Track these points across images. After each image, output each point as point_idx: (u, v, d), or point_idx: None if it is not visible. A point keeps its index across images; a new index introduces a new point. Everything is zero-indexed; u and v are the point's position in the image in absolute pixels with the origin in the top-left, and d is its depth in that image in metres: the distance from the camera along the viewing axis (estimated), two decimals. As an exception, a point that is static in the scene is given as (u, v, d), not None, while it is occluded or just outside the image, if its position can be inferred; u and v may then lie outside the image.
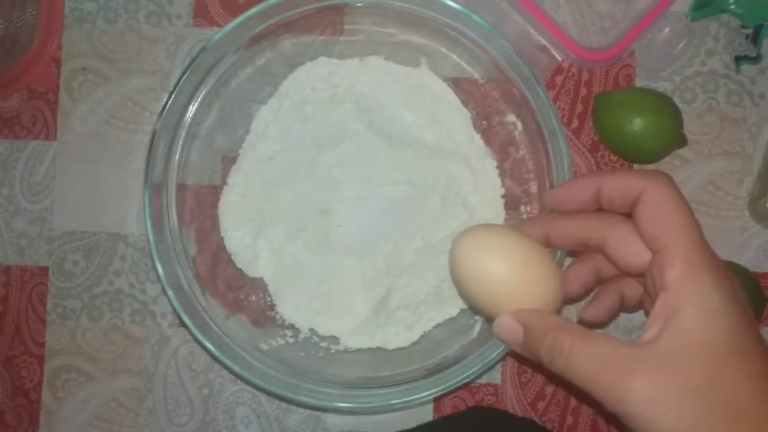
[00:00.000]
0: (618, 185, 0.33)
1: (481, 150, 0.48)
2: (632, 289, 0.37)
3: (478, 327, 0.47)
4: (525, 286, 0.35)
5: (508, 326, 0.34)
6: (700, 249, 0.31)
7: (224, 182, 0.49)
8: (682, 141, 0.48)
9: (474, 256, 0.35)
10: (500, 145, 0.49)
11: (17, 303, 0.51)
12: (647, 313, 0.32)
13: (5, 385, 0.51)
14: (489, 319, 0.37)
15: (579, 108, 0.50)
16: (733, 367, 0.29)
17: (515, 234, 0.36)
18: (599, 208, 0.35)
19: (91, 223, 0.51)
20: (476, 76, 0.49)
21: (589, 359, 0.30)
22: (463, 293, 0.37)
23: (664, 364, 0.29)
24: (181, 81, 0.44)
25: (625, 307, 0.38)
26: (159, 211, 0.45)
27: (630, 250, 0.34)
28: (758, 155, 0.50)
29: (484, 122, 0.49)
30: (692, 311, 0.29)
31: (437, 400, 0.49)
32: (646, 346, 0.30)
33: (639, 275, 0.35)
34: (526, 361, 0.49)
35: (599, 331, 0.48)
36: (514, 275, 0.35)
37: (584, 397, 0.49)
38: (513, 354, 0.47)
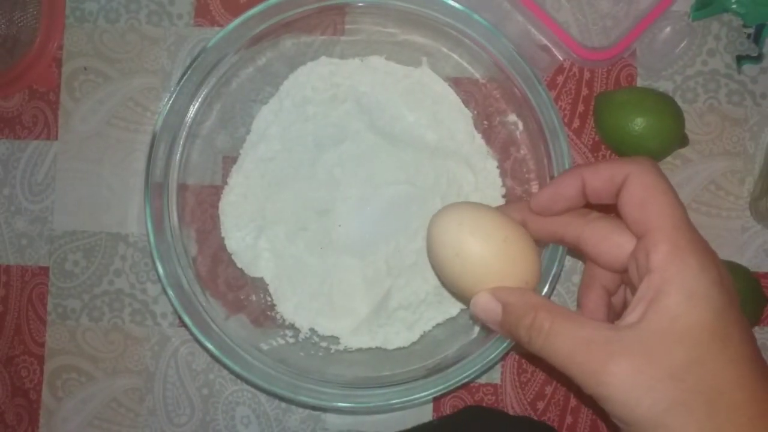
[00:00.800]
0: (602, 175, 0.33)
1: (482, 150, 0.48)
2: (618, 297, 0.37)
3: (478, 327, 0.47)
4: (504, 264, 0.34)
5: (485, 304, 0.34)
6: (686, 232, 0.30)
7: (225, 182, 0.49)
8: (683, 141, 0.48)
9: (453, 231, 0.34)
10: (501, 145, 0.49)
11: (17, 303, 0.51)
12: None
13: (5, 385, 0.51)
14: (464, 299, 0.36)
15: (580, 108, 0.50)
16: (714, 352, 0.28)
17: (494, 212, 0.36)
18: (587, 204, 0.35)
19: (92, 223, 0.51)
20: (477, 75, 0.49)
21: (568, 340, 0.30)
22: (440, 271, 0.36)
23: (644, 348, 0.28)
24: (182, 81, 0.44)
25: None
26: (160, 211, 0.45)
27: (609, 244, 0.33)
28: (759, 155, 0.49)
29: (486, 122, 0.49)
30: (676, 294, 0.29)
31: (437, 400, 0.49)
32: (627, 329, 0.29)
33: (619, 271, 0.34)
34: (527, 356, 0.49)
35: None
36: (493, 252, 0.34)
37: (584, 396, 0.49)
38: (516, 349, 0.47)
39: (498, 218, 0.35)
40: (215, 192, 0.49)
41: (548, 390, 0.49)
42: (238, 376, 0.49)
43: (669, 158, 0.49)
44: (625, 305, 0.37)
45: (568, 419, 0.49)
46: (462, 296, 0.38)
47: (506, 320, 0.33)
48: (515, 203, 0.45)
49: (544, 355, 0.31)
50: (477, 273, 0.34)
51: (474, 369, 0.42)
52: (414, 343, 0.47)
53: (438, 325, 0.47)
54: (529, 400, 0.49)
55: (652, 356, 0.28)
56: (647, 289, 0.30)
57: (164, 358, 0.50)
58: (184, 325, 0.44)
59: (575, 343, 0.30)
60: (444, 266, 0.35)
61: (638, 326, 0.29)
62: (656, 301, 0.29)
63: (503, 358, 0.48)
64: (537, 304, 0.32)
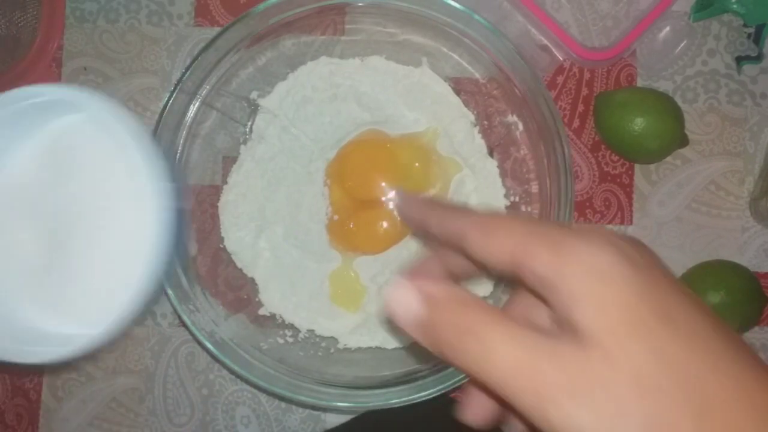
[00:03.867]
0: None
1: (482, 150, 0.48)
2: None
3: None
4: None
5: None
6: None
7: (225, 182, 0.49)
8: (683, 141, 0.48)
9: None
10: (501, 145, 0.49)
11: (18, 302, 0.51)
12: None
13: (5, 385, 0.51)
14: None
15: (580, 108, 0.50)
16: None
17: None
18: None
19: (92, 223, 0.51)
20: (477, 75, 0.49)
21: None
22: None
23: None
24: (182, 81, 0.44)
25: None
26: (159, 211, 0.45)
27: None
28: (759, 155, 0.49)
29: (485, 122, 0.49)
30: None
31: (438, 401, 0.49)
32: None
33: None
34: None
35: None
36: None
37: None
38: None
39: None
40: (215, 192, 0.49)
41: (548, 390, 0.49)
42: (238, 375, 0.49)
43: (669, 158, 0.49)
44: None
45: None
46: None
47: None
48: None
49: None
50: None
51: (474, 369, 0.42)
52: (413, 343, 0.47)
53: (438, 325, 0.47)
54: (529, 400, 0.49)
55: None
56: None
57: (164, 358, 0.50)
58: (183, 325, 0.44)
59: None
60: None
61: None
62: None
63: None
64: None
